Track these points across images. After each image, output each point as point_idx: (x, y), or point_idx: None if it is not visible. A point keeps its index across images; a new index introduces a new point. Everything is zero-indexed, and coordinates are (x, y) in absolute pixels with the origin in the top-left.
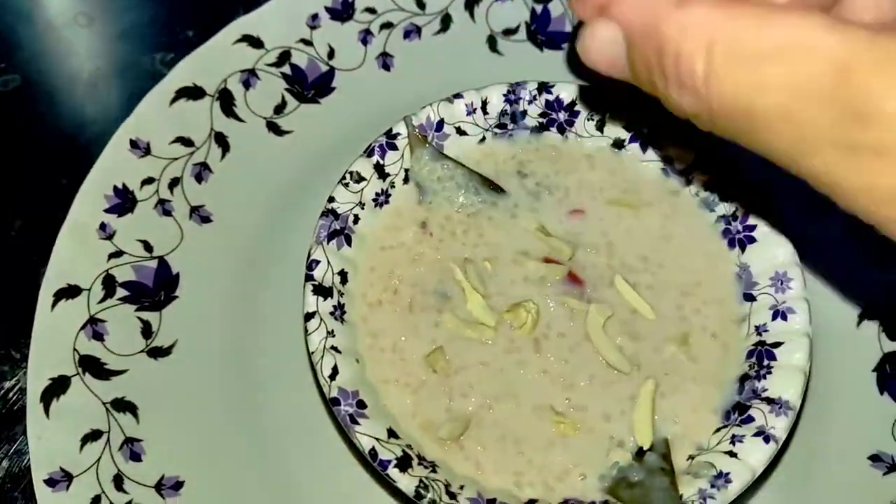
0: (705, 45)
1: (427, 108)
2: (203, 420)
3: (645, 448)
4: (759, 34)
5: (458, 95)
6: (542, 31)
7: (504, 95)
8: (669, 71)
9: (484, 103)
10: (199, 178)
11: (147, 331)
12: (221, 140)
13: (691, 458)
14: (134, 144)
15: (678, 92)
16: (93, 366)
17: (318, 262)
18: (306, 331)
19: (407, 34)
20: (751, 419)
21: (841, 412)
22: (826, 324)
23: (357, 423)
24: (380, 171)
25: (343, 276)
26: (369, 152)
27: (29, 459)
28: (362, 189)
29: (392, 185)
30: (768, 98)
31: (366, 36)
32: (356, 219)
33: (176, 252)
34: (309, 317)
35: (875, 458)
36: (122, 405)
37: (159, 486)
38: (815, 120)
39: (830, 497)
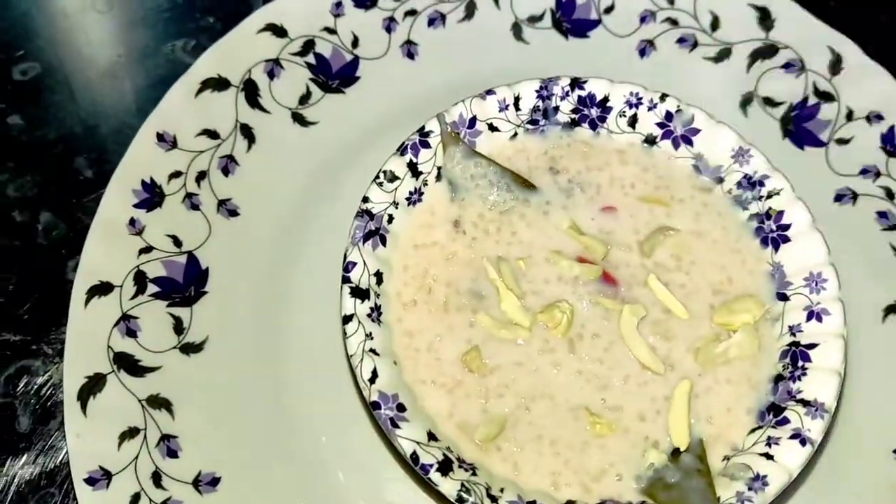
0: None
1: (459, 105)
2: (237, 415)
3: (681, 449)
4: None
5: (490, 91)
6: (567, 19)
7: (536, 91)
8: None
9: (516, 99)
10: (225, 171)
11: (179, 327)
12: (247, 132)
13: (727, 458)
14: (160, 138)
15: None
16: (127, 363)
17: (354, 263)
18: (345, 333)
19: (431, 22)
20: (786, 421)
21: (865, 406)
22: (852, 318)
23: (398, 426)
24: (413, 169)
25: (379, 277)
26: (402, 150)
27: (64, 455)
28: (396, 188)
29: (425, 184)
30: None
31: (390, 24)
32: (390, 218)
33: (205, 246)
34: (347, 319)
35: None
36: (158, 402)
37: (196, 483)
38: None
39: (854, 492)
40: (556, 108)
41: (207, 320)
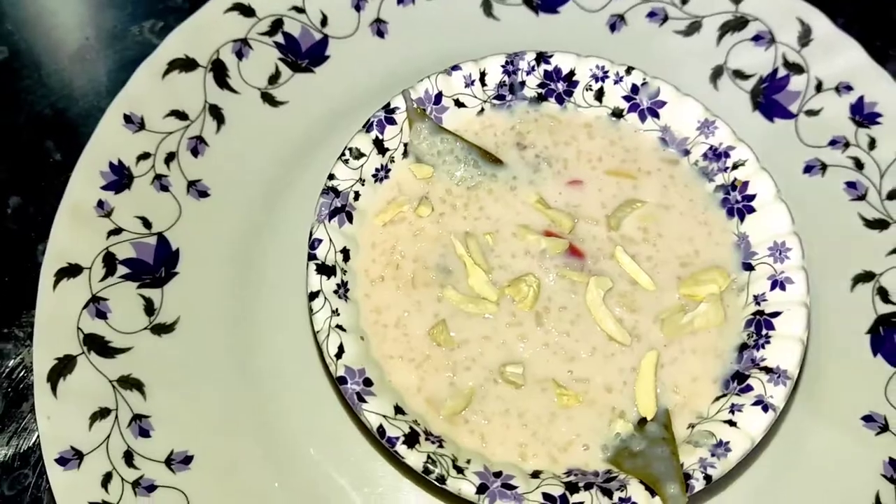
0: None
1: (425, 81)
2: (209, 394)
3: (648, 418)
4: None
5: (455, 67)
6: None
7: (502, 66)
8: None
9: (482, 74)
10: (195, 152)
11: (150, 308)
12: (216, 112)
13: (692, 426)
14: (128, 119)
15: None
16: (98, 344)
17: (320, 240)
18: (311, 310)
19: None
20: (749, 388)
21: (834, 375)
22: (821, 287)
23: (364, 400)
24: (379, 146)
25: (346, 253)
26: (368, 127)
27: (37, 437)
28: (362, 165)
29: (392, 160)
30: None
31: (359, 2)
32: (357, 195)
33: (175, 228)
34: (313, 296)
35: (868, 419)
36: (129, 382)
37: (169, 461)
38: None
39: (825, 458)
40: (523, 83)
41: (178, 301)
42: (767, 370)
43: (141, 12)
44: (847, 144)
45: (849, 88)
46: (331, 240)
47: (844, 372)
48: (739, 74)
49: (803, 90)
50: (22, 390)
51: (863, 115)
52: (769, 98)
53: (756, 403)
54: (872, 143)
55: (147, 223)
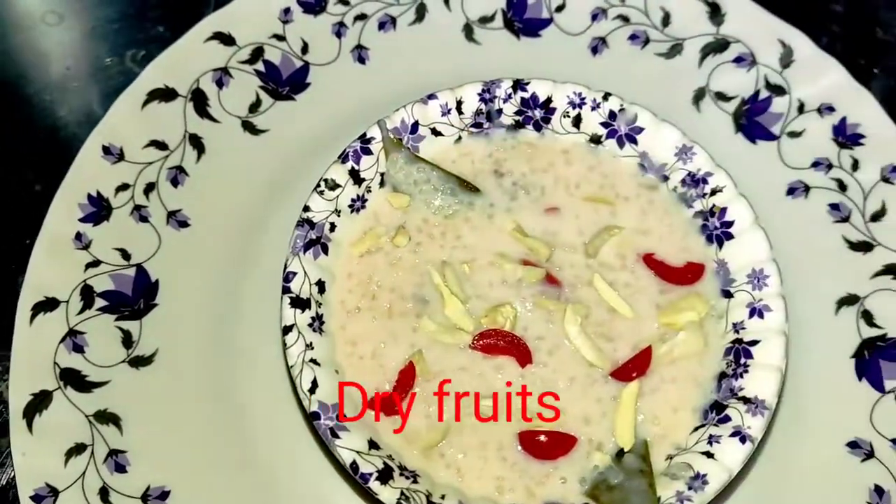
0: None
1: (401, 111)
2: (187, 428)
3: (625, 450)
4: None
5: (432, 96)
6: (518, 19)
7: (479, 94)
8: None
9: (459, 103)
10: (174, 182)
11: (128, 340)
12: (196, 142)
13: (670, 458)
14: (106, 150)
15: None
16: (74, 379)
17: (294, 273)
18: (285, 344)
19: (382, 25)
20: (728, 419)
21: (819, 400)
22: (804, 311)
23: (338, 436)
24: (355, 176)
25: (321, 285)
26: (343, 158)
27: (13, 473)
28: (337, 196)
29: (368, 190)
30: None
31: (340, 28)
32: (332, 227)
33: (154, 259)
34: (287, 330)
35: (853, 445)
36: (106, 417)
37: (145, 497)
38: None
39: (809, 487)
40: (500, 111)
41: (157, 333)
42: (745, 400)
43: (123, 42)
44: (830, 166)
45: (831, 109)
46: (305, 272)
47: (829, 397)
48: (721, 96)
49: (786, 112)
50: (1, 425)
51: (845, 136)
52: (751, 120)
53: (734, 434)
54: (855, 165)
55: (126, 255)
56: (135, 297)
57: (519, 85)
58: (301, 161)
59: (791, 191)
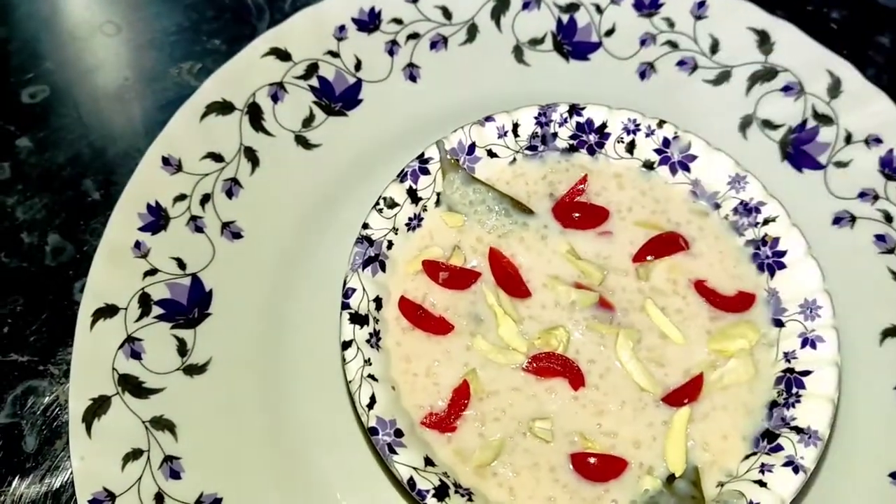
0: None
1: (458, 132)
2: (239, 437)
3: (677, 475)
4: None
5: (489, 118)
6: (568, 42)
7: (535, 118)
8: None
9: (515, 126)
10: (229, 194)
11: (182, 348)
12: (251, 154)
13: (721, 485)
14: (166, 161)
15: None
16: (132, 385)
17: (354, 289)
18: (344, 359)
19: (433, 45)
20: (780, 448)
21: (862, 430)
22: (849, 341)
23: (395, 452)
24: (412, 195)
25: (378, 302)
26: (402, 177)
27: (69, 475)
28: (395, 214)
29: (424, 209)
30: None
31: (392, 47)
32: (390, 244)
33: (209, 269)
34: (346, 345)
35: None
36: (161, 423)
37: None
38: None
39: None
40: (555, 135)
41: (211, 342)
42: (798, 430)
43: (179, 54)
44: (876, 197)
45: (878, 141)
46: (364, 289)
47: (872, 427)
48: (768, 124)
49: (832, 142)
50: (56, 428)
51: (892, 168)
52: (798, 149)
53: (787, 464)
54: None
55: (182, 264)
56: (189, 306)
57: (575, 110)
58: (351, 176)
59: (837, 220)
